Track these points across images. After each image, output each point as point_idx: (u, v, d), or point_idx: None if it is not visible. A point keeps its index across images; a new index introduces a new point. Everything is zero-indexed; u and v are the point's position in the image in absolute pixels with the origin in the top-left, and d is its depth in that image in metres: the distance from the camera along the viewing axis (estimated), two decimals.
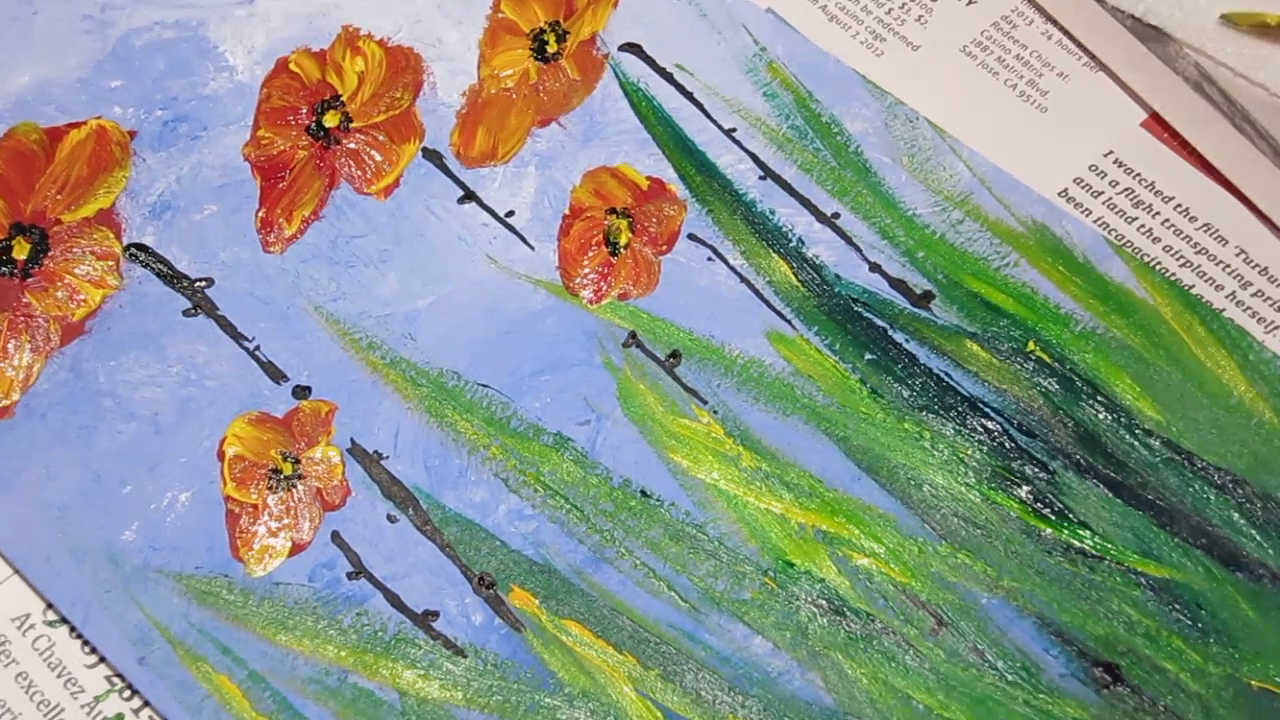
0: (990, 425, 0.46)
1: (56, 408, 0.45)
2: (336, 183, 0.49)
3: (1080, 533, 0.45)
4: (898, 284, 0.48)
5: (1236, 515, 0.45)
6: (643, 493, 0.45)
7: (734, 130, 0.50)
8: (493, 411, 0.46)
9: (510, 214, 0.49)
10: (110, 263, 0.47)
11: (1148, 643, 0.44)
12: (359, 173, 0.49)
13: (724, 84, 0.51)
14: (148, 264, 0.47)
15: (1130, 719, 0.43)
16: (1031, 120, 0.51)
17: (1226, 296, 0.48)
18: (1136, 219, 0.49)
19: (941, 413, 0.46)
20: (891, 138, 0.50)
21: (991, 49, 0.52)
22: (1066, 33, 0.52)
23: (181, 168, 0.49)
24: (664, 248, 0.49)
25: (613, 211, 0.49)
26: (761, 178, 0.50)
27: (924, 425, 0.46)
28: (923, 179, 0.50)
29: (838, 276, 0.48)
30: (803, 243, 0.49)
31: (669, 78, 0.51)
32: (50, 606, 0.44)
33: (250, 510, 0.45)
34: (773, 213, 0.49)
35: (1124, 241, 0.49)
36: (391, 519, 0.45)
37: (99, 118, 0.49)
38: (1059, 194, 0.50)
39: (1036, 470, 0.46)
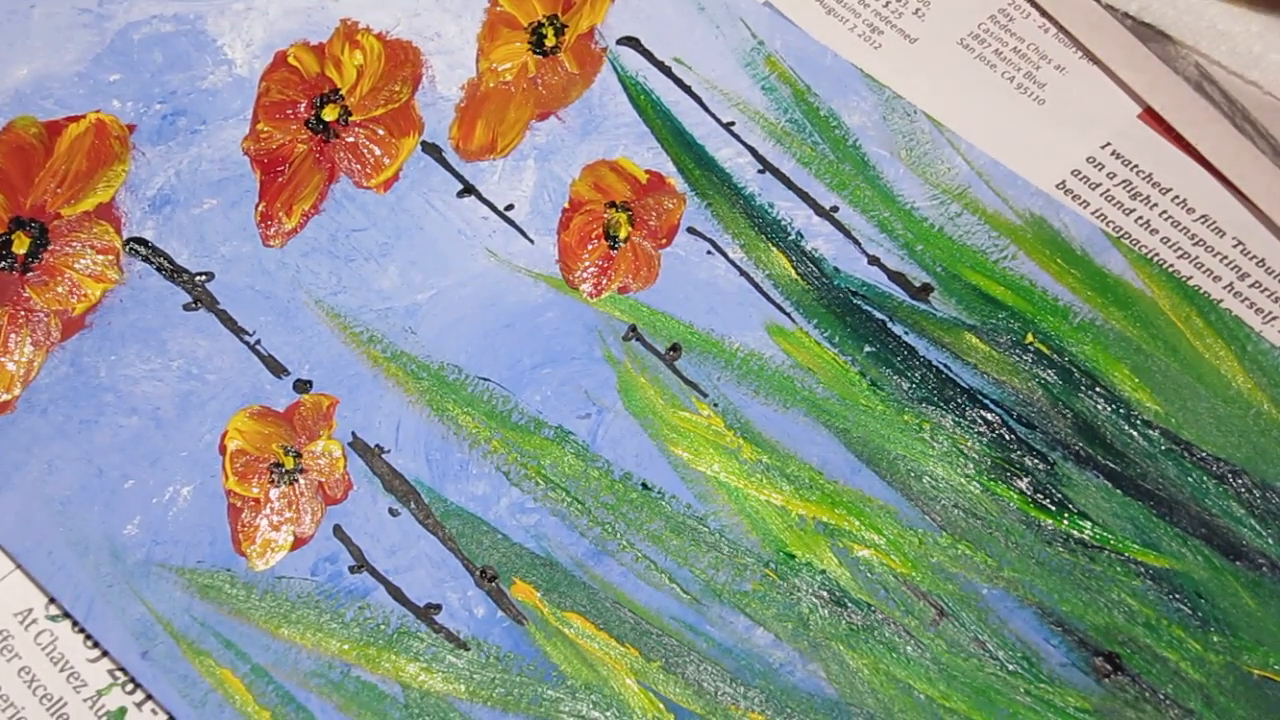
0: (989, 417, 0.46)
1: (58, 402, 0.45)
2: (336, 176, 0.49)
3: (1080, 523, 0.45)
4: (896, 277, 0.48)
5: (1235, 505, 0.45)
6: (644, 485, 0.45)
7: (733, 124, 0.50)
8: (494, 405, 0.46)
9: (510, 207, 0.49)
10: (110, 257, 0.47)
11: (1148, 632, 0.44)
12: (358, 166, 0.49)
13: (722, 77, 0.51)
14: (148, 258, 0.47)
15: (1131, 708, 0.43)
16: (1029, 113, 0.51)
17: (1224, 288, 0.48)
18: (1134, 211, 0.49)
19: (941, 404, 0.47)
20: (889, 131, 0.50)
21: (989, 42, 0.52)
22: (1066, 31, 0.52)
23: (181, 162, 0.49)
24: (663, 241, 0.49)
25: (612, 205, 0.49)
26: (760, 171, 0.50)
27: (923, 417, 0.46)
28: (921, 172, 0.50)
29: (837, 269, 0.48)
30: (802, 236, 0.49)
31: (667, 71, 0.51)
32: (53, 601, 0.44)
33: (252, 504, 0.45)
34: (772, 206, 0.49)
35: (1122, 233, 0.49)
36: (393, 512, 0.45)
37: (98, 111, 0.49)
38: (1057, 186, 0.50)
39: (1036, 461, 0.46)
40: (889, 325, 0.48)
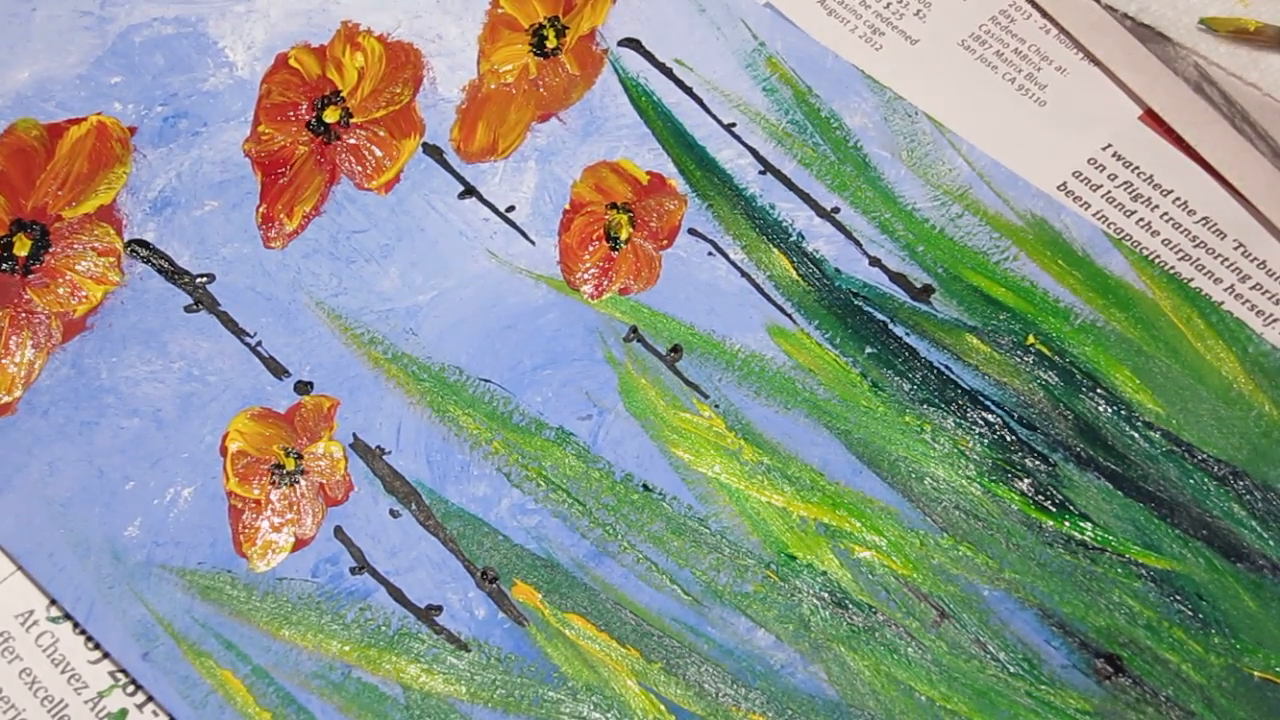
0: (991, 418, 0.46)
1: (59, 404, 0.45)
2: (337, 178, 0.49)
3: (1081, 525, 0.45)
4: (898, 278, 0.48)
5: (1237, 507, 0.45)
6: (645, 487, 0.45)
7: (734, 125, 0.50)
8: (494, 406, 0.46)
9: (511, 209, 0.49)
10: (111, 259, 0.47)
11: (1149, 634, 0.44)
12: (359, 168, 0.49)
13: (723, 79, 0.51)
14: (149, 260, 0.47)
15: (1132, 710, 0.43)
16: (1030, 114, 0.51)
17: (1225, 289, 0.48)
18: (1135, 212, 0.49)
19: (942, 406, 0.47)
20: (891, 132, 0.50)
21: (990, 43, 0.52)
22: (1066, 33, 0.52)
23: (182, 164, 0.49)
24: (664, 242, 0.49)
25: (613, 206, 0.49)
26: (761, 172, 0.50)
27: (925, 418, 0.46)
28: (922, 173, 0.50)
29: (838, 271, 0.48)
30: (803, 237, 0.49)
31: (668, 73, 0.51)
32: (54, 602, 0.44)
33: (253, 505, 0.45)
34: (773, 207, 0.49)
35: (1123, 235, 0.49)
36: (394, 514, 0.45)
37: (99, 114, 0.49)
38: (1058, 188, 0.50)
39: (1037, 463, 0.46)
40: (890, 326, 0.48)
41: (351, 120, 0.49)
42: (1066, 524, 0.45)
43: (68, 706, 0.43)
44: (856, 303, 0.48)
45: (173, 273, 0.47)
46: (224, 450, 0.45)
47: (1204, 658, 0.43)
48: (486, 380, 0.47)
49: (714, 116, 0.50)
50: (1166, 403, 0.46)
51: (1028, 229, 0.49)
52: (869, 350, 0.47)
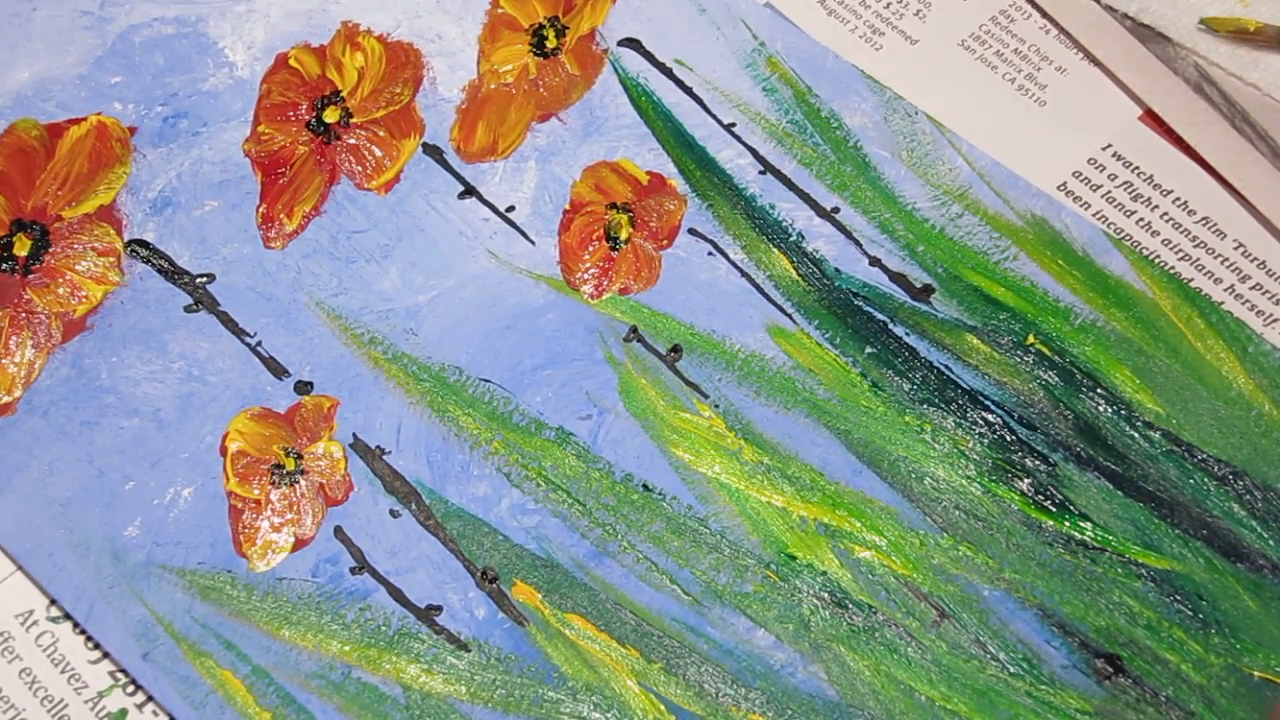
0: (991, 418, 0.46)
1: (59, 404, 0.45)
2: (337, 178, 0.49)
3: (1081, 525, 0.45)
4: (898, 278, 0.48)
5: (1237, 507, 0.45)
6: (645, 487, 0.45)
7: (733, 125, 0.50)
8: (494, 406, 0.46)
9: (511, 209, 0.49)
10: (111, 259, 0.47)
11: (1149, 634, 0.44)
12: (359, 168, 0.49)
13: (723, 79, 0.51)
14: (149, 260, 0.47)
15: (1132, 710, 0.43)
16: (1030, 114, 0.51)
17: (1225, 290, 0.48)
18: (1135, 212, 0.49)
19: (942, 406, 0.47)
20: (890, 132, 0.50)
21: (990, 43, 0.52)
22: (1066, 33, 0.52)
23: (182, 164, 0.49)
24: (664, 242, 0.49)
25: (613, 206, 0.49)
26: (761, 172, 0.50)
27: (925, 418, 0.46)
28: (922, 173, 0.50)
29: (838, 270, 0.48)
30: (803, 237, 0.49)
31: (668, 73, 0.51)
32: (54, 602, 0.44)
33: (253, 505, 0.45)
34: (773, 207, 0.49)
35: (1123, 235, 0.49)
36: (394, 514, 0.45)
37: (99, 114, 0.49)
38: (1058, 188, 0.50)
39: (1037, 463, 0.46)
40: (890, 326, 0.48)
41: (351, 120, 0.49)
42: (1066, 524, 0.45)
43: (68, 706, 0.43)
44: (856, 303, 0.48)
45: (173, 273, 0.47)
46: (224, 450, 0.45)
47: (1204, 658, 0.43)
48: (486, 380, 0.47)
49: (714, 116, 0.50)
50: (1166, 403, 0.46)
51: (1028, 229, 0.49)
52: (869, 350, 0.47)
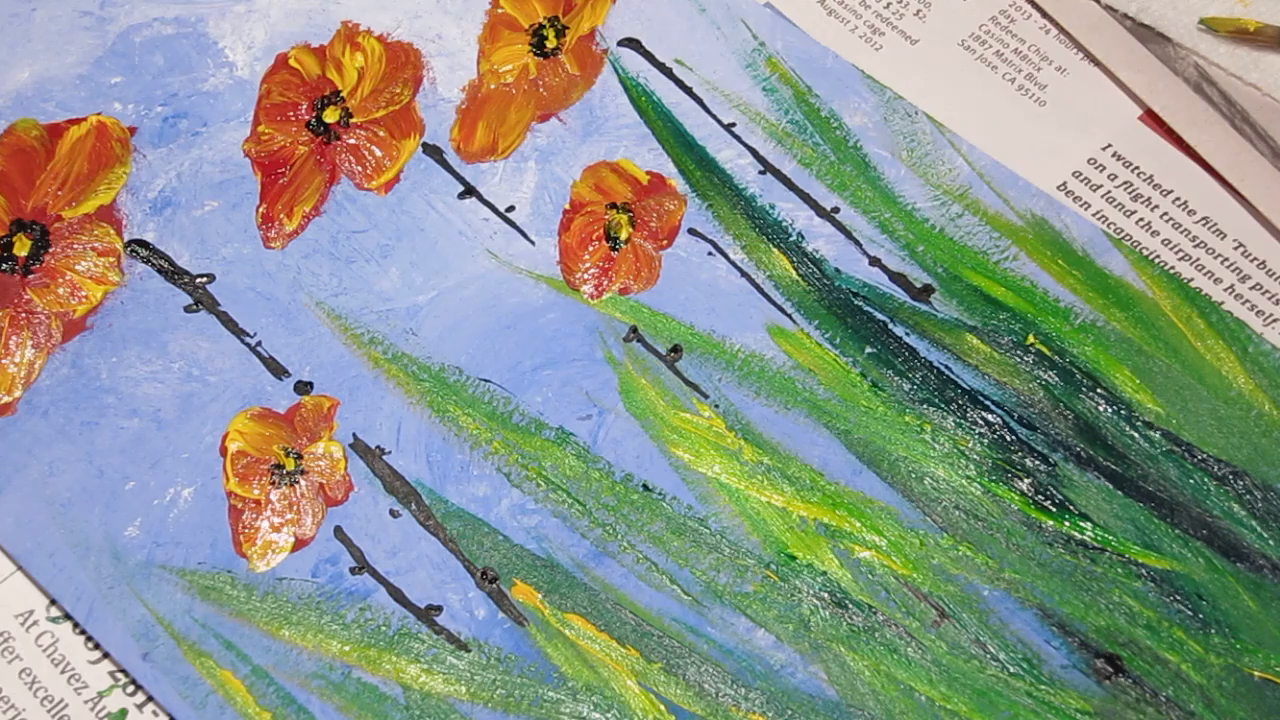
0: (991, 418, 0.46)
1: (59, 404, 0.45)
2: (337, 178, 0.49)
3: (1081, 524, 0.45)
4: (898, 278, 0.48)
5: (1236, 506, 0.45)
6: (645, 487, 0.45)
7: (733, 125, 0.50)
8: (494, 406, 0.46)
9: (511, 209, 0.49)
10: (111, 259, 0.47)
11: (1149, 634, 0.44)
12: (359, 168, 0.49)
13: (723, 79, 0.51)
14: (149, 260, 0.47)
15: (1132, 710, 0.43)
16: (1030, 114, 0.51)
17: (1225, 289, 0.48)
18: (1135, 212, 0.49)
19: (942, 406, 0.47)
20: (890, 132, 0.50)
21: (990, 43, 0.52)
22: (1066, 33, 0.52)
23: (182, 164, 0.49)
24: (664, 242, 0.49)
25: (613, 206, 0.49)
26: (761, 172, 0.50)
27: (925, 418, 0.46)
28: (922, 173, 0.50)
29: (838, 270, 0.48)
30: (803, 237, 0.49)
31: (668, 73, 0.51)
32: (54, 603, 0.44)
33: (253, 506, 0.45)
34: (773, 207, 0.49)
35: (1123, 235, 0.49)
36: (394, 514, 0.45)
37: (99, 114, 0.49)
38: (1058, 187, 0.50)
39: (1037, 463, 0.46)
40: (890, 326, 0.48)
41: (351, 120, 0.49)
42: (1066, 524, 0.45)
43: (68, 706, 0.43)
44: (856, 303, 0.48)
45: (173, 273, 0.47)
46: (224, 450, 0.45)
47: (1204, 658, 0.43)
48: (486, 380, 0.47)
49: (714, 116, 0.50)
50: (1166, 403, 0.46)
51: (1028, 229, 0.49)
52: (869, 350, 0.47)
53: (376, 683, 0.43)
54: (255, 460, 0.45)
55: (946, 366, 0.47)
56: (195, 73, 0.50)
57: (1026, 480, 0.46)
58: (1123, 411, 0.46)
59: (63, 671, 0.43)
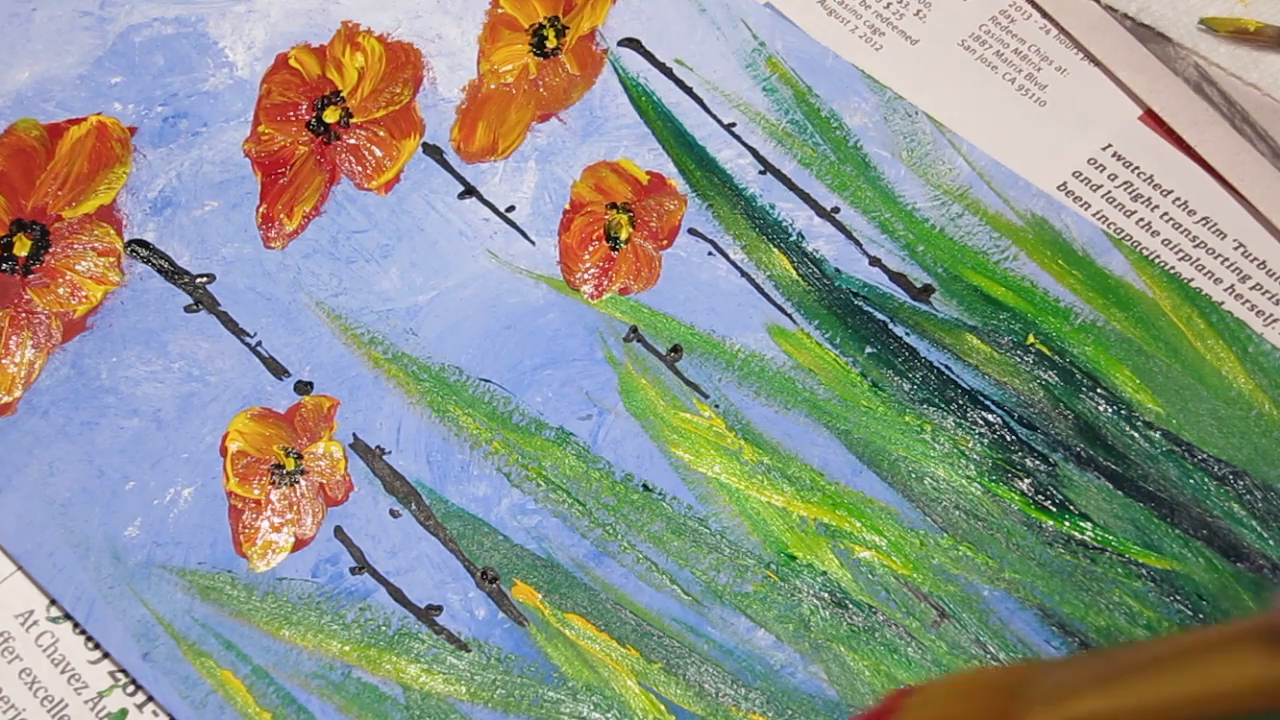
0: (991, 418, 0.46)
1: (59, 404, 0.45)
2: (337, 178, 0.49)
3: (1081, 524, 0.45)
4: (898, 278, 0.48)
5: (1237, 506, 0.45)
6: (645, 487, 0.45)
7: (734, 125, 0.50)
8: (494, 406, 0.46)
9: (511, 209, 0.49)
10: (111, 259, 0.47)
11: (1149, 634, 0.44)
12: (359, 168, 0.49)
13: (723, 79, 0.51)
14: (149, 260, 0.47)
15: None
16: (1030, 114, 0.51)
17: (1225, 290, 0.48)
18: (1135, 212, 0.49)
19: (942, 406, 0.47)
20: (891, 132, 0.50)
21: (990, 43, 0.52)
22: (1066, 33, 0.52)
23: (182, 164, 0.49)
24: (664, 242, 0.49)
25: (613, 206, 0.49)
26: (761, 172, 0.50)
27: (925, 418, 0.46)
28: (922, 173, 0.50)
29: (838, 270, 0.48)
30: (803, 237, 0.49)
31: (668, 73, 0.51)
32: (54, 603, 0.44)
33: (253, 506, 0.45)
34: (773, 207, 0.49)
35: (1123, 235, 0.49)
36: (394, 514, 0.45)
37: (99, 114, 0.49)
38: (1058, 187, 0.50)
39: (1037, 463, 0.46)
40: (890, 326, 0.48)
41: (351, 120, 0.49)
42: (1066, 524, 0.45)
43: (68, 707, 0.43)
44: (856, 303, 0.48)
45: (173, 273, 0.47)
46: (224, 450, 0.45)
47: None
48: (486, 380, 0.47)
49: (714, 116, 0.50)
50: (1166, 403, 0.46)
51: (1028, 229, 0.49)
52: (869, 350, 0.47)
53: (376, 683, 0.43)
54: (255, 460, 0.45)
55: (946, 366, 0.47)
56: (195, 73, 0.50)
57: (1026, 480, 0.46)
58: (1123, 411, 0.46)
59: (63, 672, 0.43)
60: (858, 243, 0.49)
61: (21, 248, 0.46)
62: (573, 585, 0.44)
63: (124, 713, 0.43)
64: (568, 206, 0.49)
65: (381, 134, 0.49)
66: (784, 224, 0.49)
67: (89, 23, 0.50)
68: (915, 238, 0.49)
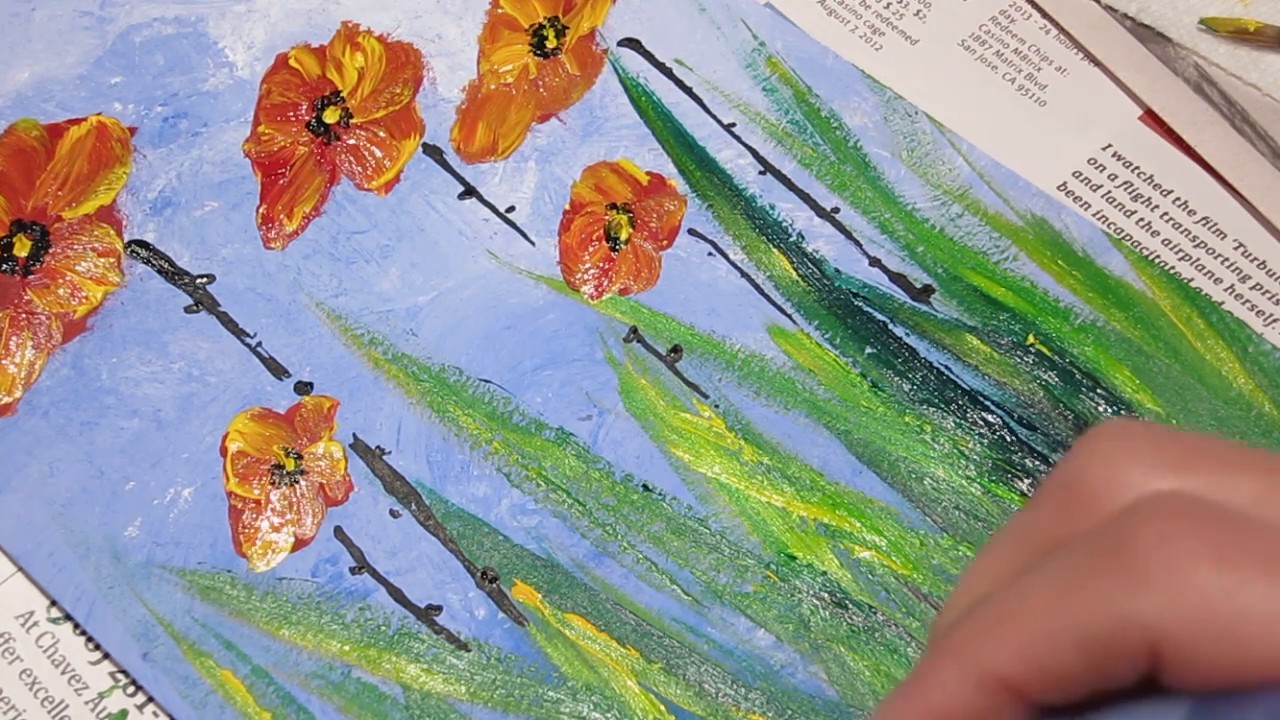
0: (991, 418, 0.46)
1: (59, 405, 0.45)
2: (337, 179, 0.49)
3: None
4: (898, 278, 0.48)
5: None
6: (645, 487, 0.45)
7: (733, 125, 0.50)
8: (494, 406, 0.46)
9: (511, 209, 0.49)
10: (111, 259, 0.47)
11: None
12: (359, 169, 0.49)
13: (723, 79, 0.51)
14: (149, 260, 0.48)
15: None
16: (1030, 114, 0.51)
17: (1225, 290, 0.48)
18: (1135, 212, 0.49)
19: (942, 406, 0.47)
20: (890, 132, 0.50)
21: (990, 43, 0.52)
22: (1066, 33, 0.52)
23: (182, 164, 0.49)
24: (664, 243, 0.49)
25: (613, 206, 0.49)
26: (761, 172, 0.50)
27: (925, 419, 0.46)
28: (922, 173, 0.50)
29: (838, 271, 0.48)
30: (803, 237, 0.49)
31: (668, 73, 0.51)
32: (54, 603, 0.44)
33: (253, 506, 0.45)
34: (773, 207, 0.49)
35: (1123, 235, 0.49)
36: (394, 514, 0.45)
37: (99, 114, 0.49)
38: (1058, 188, 0.50)
39: (1037, 463, 0.46)
40: (890, 327, 0.48)
41: (351, 120, 0.49)
42: None
43: (68, 707, 0.43)
44: (856, 303, 0.48)
45: (173, 273, 0.47)
46: (224, 450, 0.45)
47: None
48: (486, 380, 0.47)
49: (714, 116, 0.51)
50: (1166, 403, 0.46)
51: (1028, 229, 0.49)
52: (869, 350, 0.47)
53: (376, 683, 0.43)
54: (255, 460, 0.45)
55: (946, 367, 0.47)
56: (195, 73, 0.50)
57: (1026, 480, 0.46)
58: (1123, 411, 0.46)
59: (63, 672, 0.43)
60: (858, 243, 0.49)
61: (21, 248, 0.47)
62: (573, 585, 0.44)
63: (124, 713, 0.43)
64: (568, 207, 0.49)
65: (381, 134, 0.49)
66: (784, 224, 0.49)
67: (89, 23, 0.50)
68: (915, 238, 0.49)
